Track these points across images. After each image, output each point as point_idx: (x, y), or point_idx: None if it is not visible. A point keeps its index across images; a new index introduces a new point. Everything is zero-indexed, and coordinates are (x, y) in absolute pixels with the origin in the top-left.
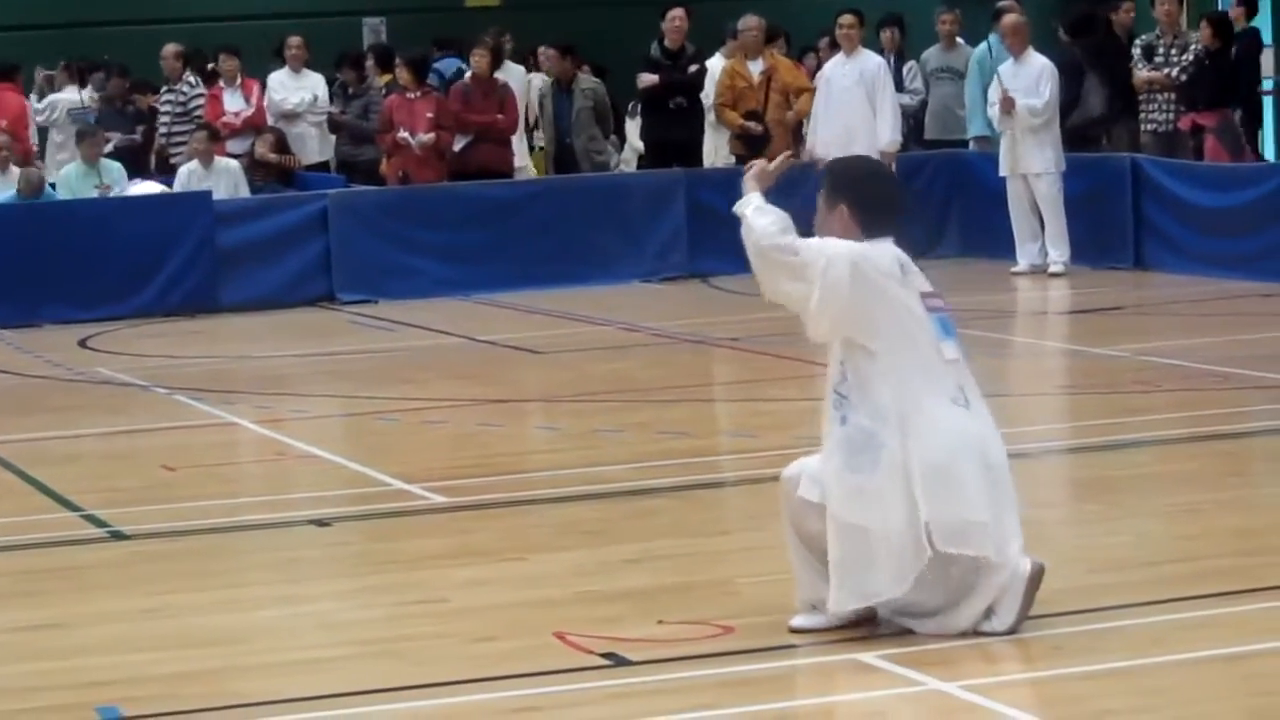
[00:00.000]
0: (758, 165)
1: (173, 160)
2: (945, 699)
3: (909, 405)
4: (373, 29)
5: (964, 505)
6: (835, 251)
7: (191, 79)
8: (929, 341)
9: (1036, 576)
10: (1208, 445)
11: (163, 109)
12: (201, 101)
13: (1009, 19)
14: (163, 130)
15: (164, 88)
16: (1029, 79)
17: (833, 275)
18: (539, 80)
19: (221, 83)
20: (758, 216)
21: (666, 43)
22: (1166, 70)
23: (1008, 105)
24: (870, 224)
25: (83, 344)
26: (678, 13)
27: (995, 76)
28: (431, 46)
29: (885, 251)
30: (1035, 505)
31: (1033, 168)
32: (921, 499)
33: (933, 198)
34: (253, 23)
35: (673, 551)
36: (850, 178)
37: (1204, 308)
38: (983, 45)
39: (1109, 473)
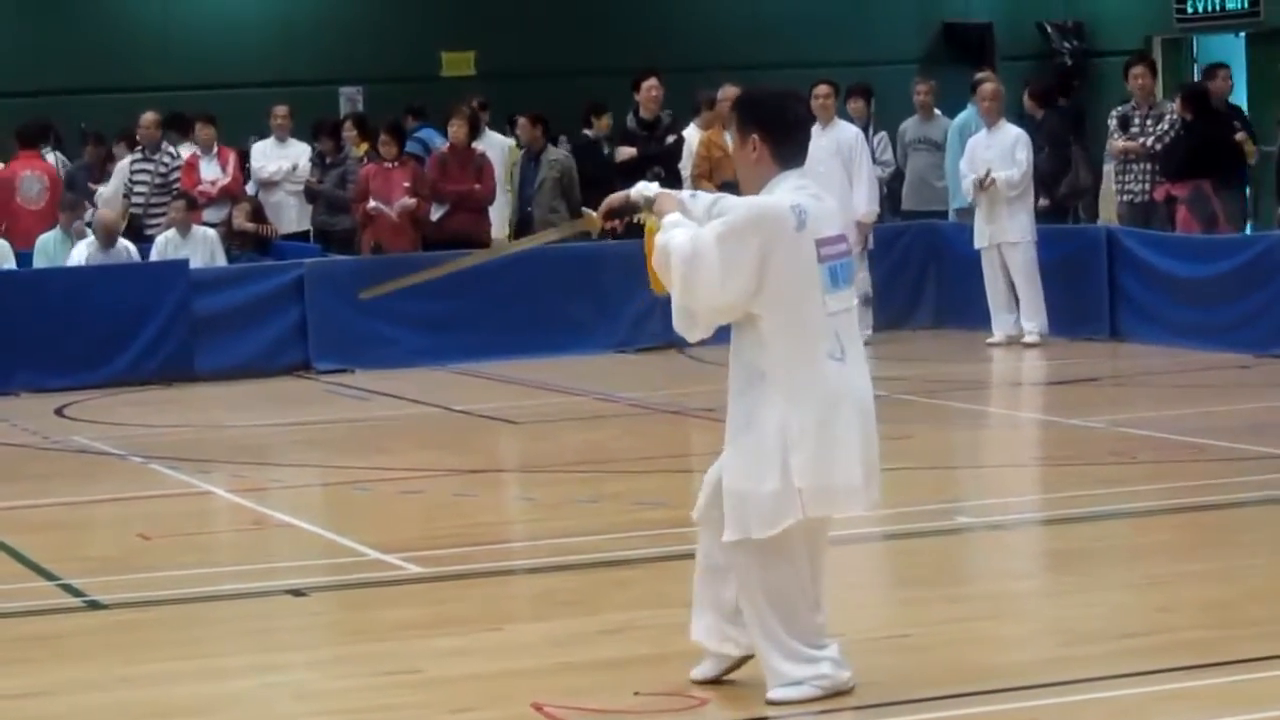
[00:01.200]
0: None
1: (148, 231)
2: None
3: (787, 367)
4: (349, 98)
5: (836, 470)
6: (742, 232)
7: (172, 150)
8: (814, 297)
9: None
10: (1183, 516)
11: (138, 178)
12: (179, 173)
13: (989, 85)
14: (139, 200)
15: (138, 152)
16: (1003, 148)
17: (714, 263)
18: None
19: (198, 150)
20: (679, 235)
21: (642, 113)
22: (1142, 140)
23: (988, 184)
24: (783, 154)
25: (58, 412)
26: (652, 82)
27: (967, 149)
28: (406, 115)
29: (788, 201)
30: (1009, 576)
31: (1009, 237)
32: (795, 465)
33: (909, 268)
34: (230, 91)
35: (649, 622)
36: (760, 110)
37: (1180, 379)
38: (962, 115)
39: (1083, 544)
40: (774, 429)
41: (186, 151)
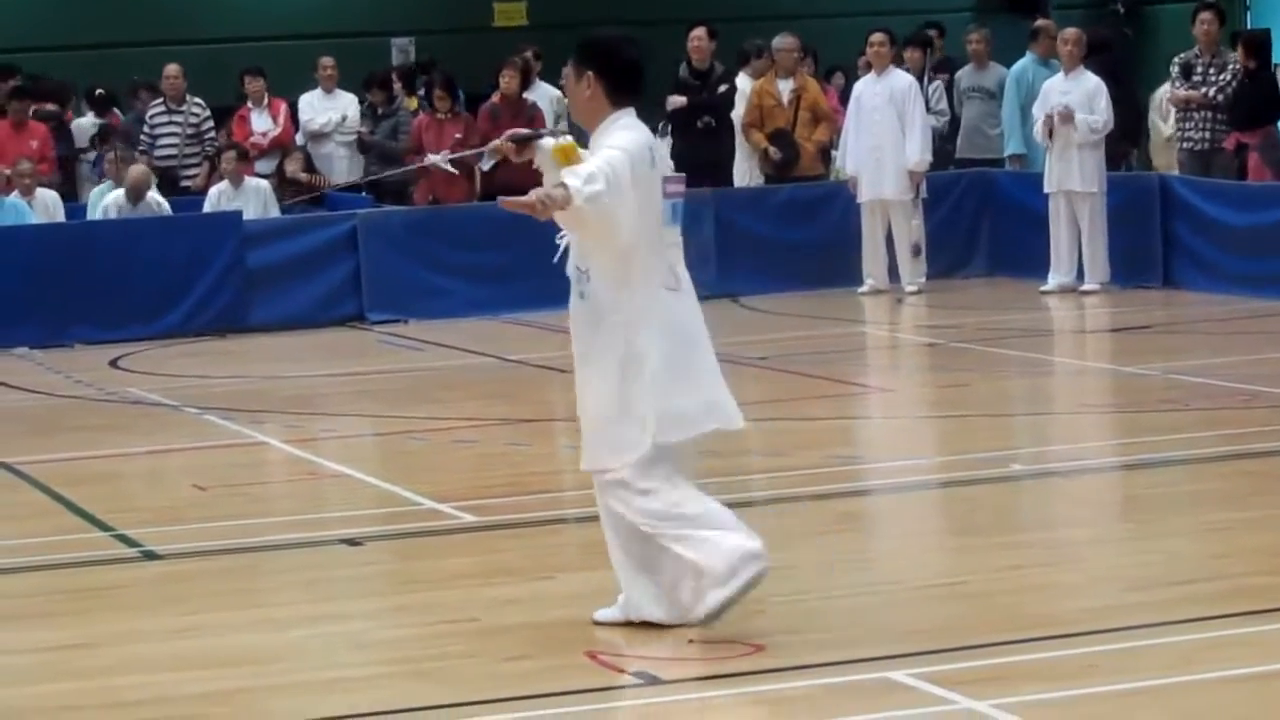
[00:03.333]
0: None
1: (184, 182)
2: (977, 719)
3: (632, 298)
4: (401, 49)
5: (684, 395)
6: (612, 158)
7: (200, 101)
8: (657, 230)
9: (758, 577)
10: (1236, 464)
11: (162, 129)
12: (211, 125)
13: (1071, 30)
14: (172, 152)
15: (159, 104)
16: (1082, 94)
17: (618, 181)
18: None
19: (249, 103)
20: (590, 184)
21: (693, 63)
22: (1204, 89)
23: (1065, 118)
24: (616, 93)
25: (113, 364)
26: (699, 32)
27: (1041, 92)
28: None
29: (640, 140)
30: (1066, 524)
31: (1078, 185)
32: (643, 394)
33: (962, 216)
34: (281, 43)
35: None
36: (597, 49)
37: (1232, 326)
38: (1021, 62)
39: (1138, 491)
40: (621, 359)
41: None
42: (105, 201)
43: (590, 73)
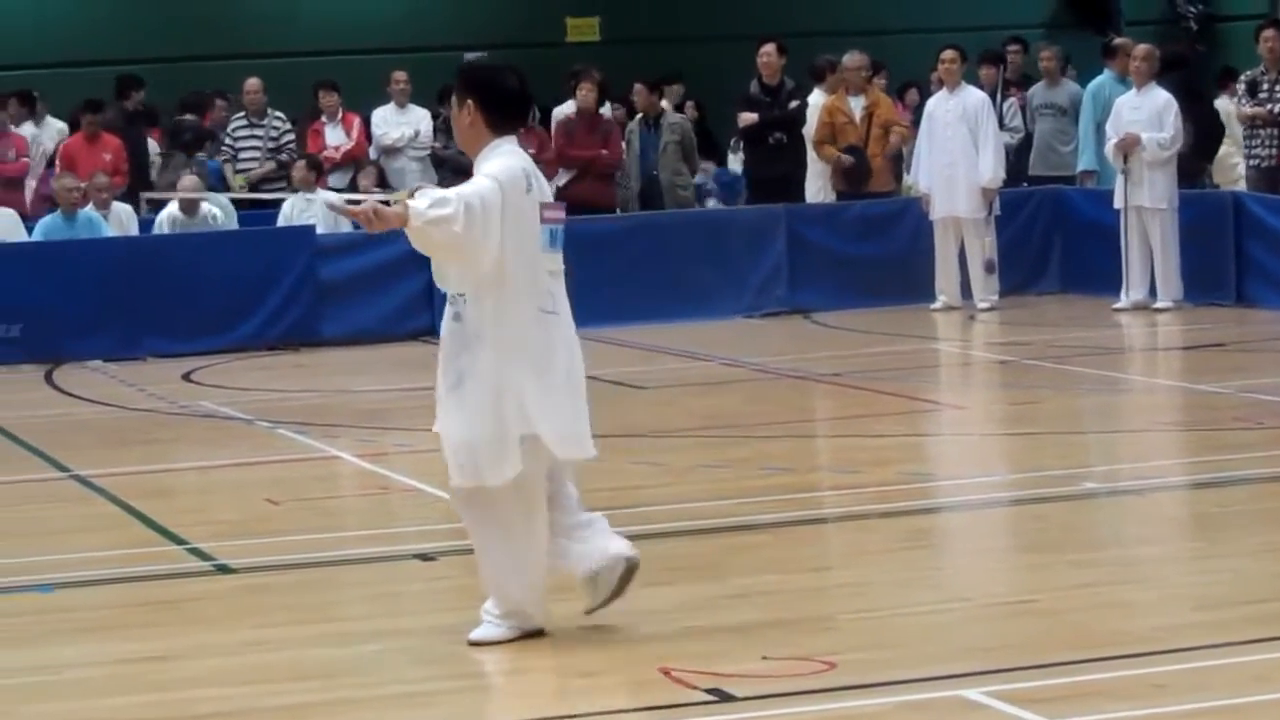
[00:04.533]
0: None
1: (264, 195)
2: None
3: (507, 323)
4: None
5: (573, 416)
6: (479, 187)
7: (280, 115)
8: (535, 255)
9: (630, 570)
10: None
11: (244, 143)
12: (291, 137)
13: (1143, 46)
14: (253, 165)
15: (242, 118)
16: (1151, 111)
17: (486, 209)
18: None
19: (324, 117)
20: (439, 208)
21: (763, 79)
22: (1270, 105)
23: (1130, 144)
24: (496, 122)
25: (185, 377)
26: (769, 48)
27: (1114, 109)
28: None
29: (516, 166)
30: (1137, 542)
31: (1149, 202)
32: (530, 414)
33: (1035, 233)
34: (354, 57)
35: (775, 587)
36: (478, 78)
37: None
38: (1098, 79)
39: (1209, 510)
40: (495, 381)
41: (29, 130)
42: (160, 216)
43: (470, 101)
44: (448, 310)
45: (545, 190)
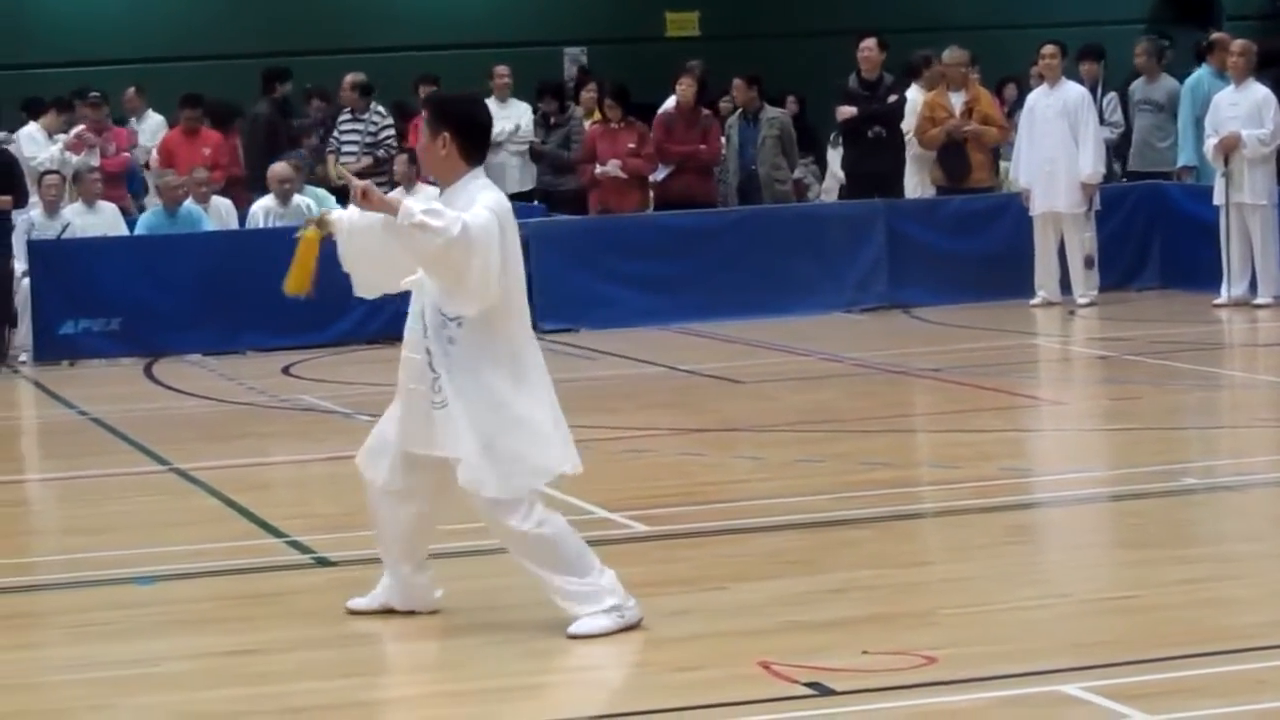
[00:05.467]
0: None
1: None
2: None
3: (507, 338)
4: (574, 59)
5: (563, 430)
6: (481, 219)
7: (381, 109)
8: (522, 277)
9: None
10: None
11: (347, 138)
12: (391, 132)
13: (1240, 41)
14: (350, 160)
15: (347, 113)
16: (1250, 107)
17: (488, 239)
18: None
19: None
20: (432, 218)
21: (863, 73)
22: None
23: (1230, 144)
24: (470, 152)
25: (285, 371)
26: (869, 42)
27: (1212, 104)
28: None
29: (502, 199)
30: (1238, 538)
31: (1249, 198)
32: (522, 432)
33: (1134, 229)
34: (454, 51)
35: (875, 581)
36: (452, 110)
37: None
38: (1196, 74)
39: None
40: (532, 393)
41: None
42: (254, 207)
43: (446, 133)
44: (433, 335)
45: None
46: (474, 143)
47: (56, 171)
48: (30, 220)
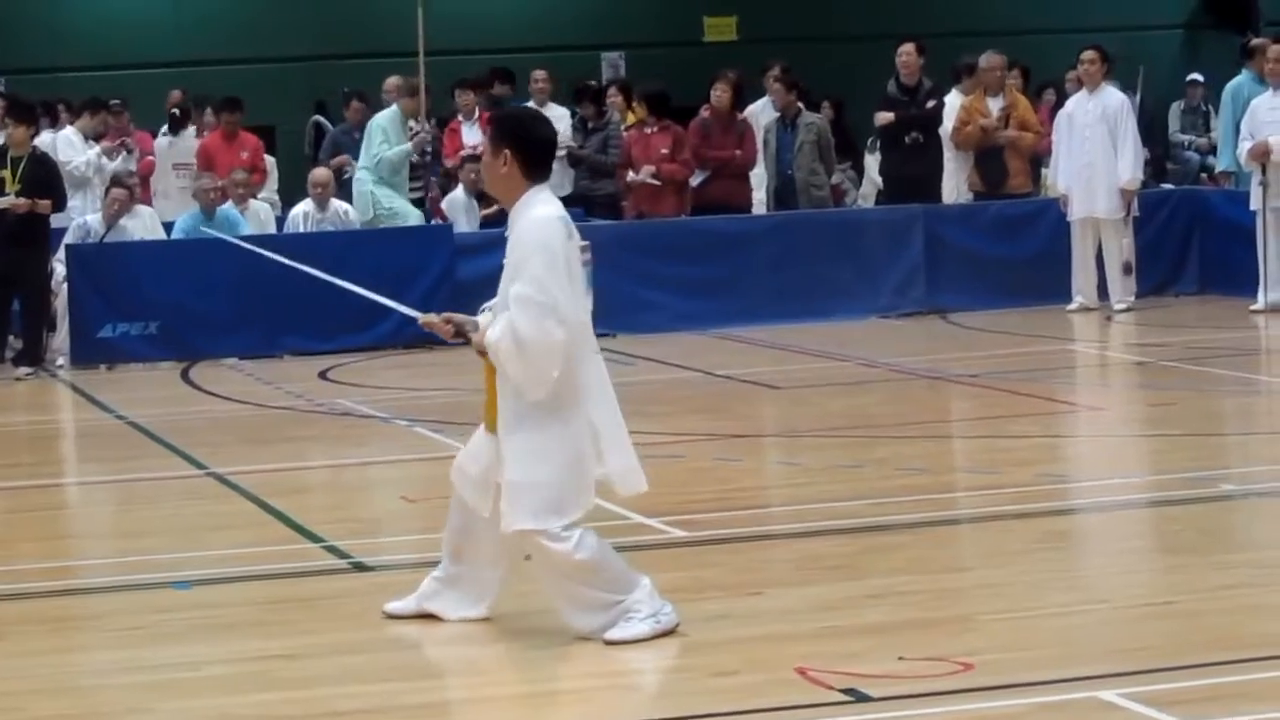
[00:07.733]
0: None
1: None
2: None
3: (571, 361)
4: (611, 63)
5: (629, 450)
6: (549, 290)
7: (427, 120)
8: (580, 298)
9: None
10: None
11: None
12: (427, 136)
13: (1277, 46)
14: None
15: None
16: None
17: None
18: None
19: (460, 116)
20: (506, 338)
21: (902, 78)
22: None
23: (1260, 153)
24: (532, 169)
25: (322, 375)
26: (907, 47)
27: (1249, 109)
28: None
29: (556, 214)
30: (1275, 545)
31: None
32: (602, 451)
33: (1172, 235)
34: (491, 56)
35: (912, 587)
36: (513, 127)
37: None
38: (1237, 79)
39: None
40: (567, 421)
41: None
42: (293, 211)
43: (508, 150)
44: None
45: (576, 233)
46: (536, 159)
47: (126, 186)
48: (86, 226)
